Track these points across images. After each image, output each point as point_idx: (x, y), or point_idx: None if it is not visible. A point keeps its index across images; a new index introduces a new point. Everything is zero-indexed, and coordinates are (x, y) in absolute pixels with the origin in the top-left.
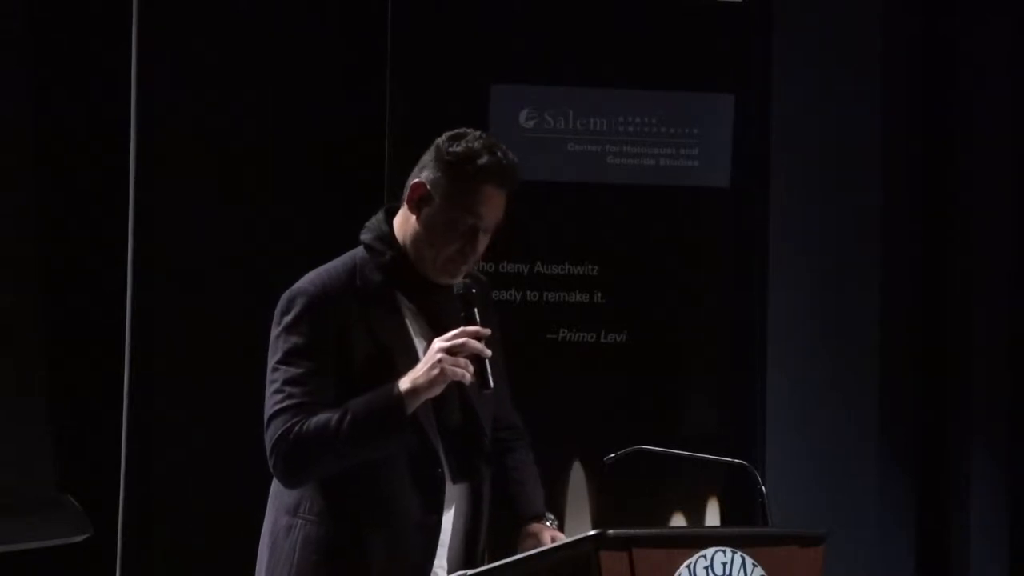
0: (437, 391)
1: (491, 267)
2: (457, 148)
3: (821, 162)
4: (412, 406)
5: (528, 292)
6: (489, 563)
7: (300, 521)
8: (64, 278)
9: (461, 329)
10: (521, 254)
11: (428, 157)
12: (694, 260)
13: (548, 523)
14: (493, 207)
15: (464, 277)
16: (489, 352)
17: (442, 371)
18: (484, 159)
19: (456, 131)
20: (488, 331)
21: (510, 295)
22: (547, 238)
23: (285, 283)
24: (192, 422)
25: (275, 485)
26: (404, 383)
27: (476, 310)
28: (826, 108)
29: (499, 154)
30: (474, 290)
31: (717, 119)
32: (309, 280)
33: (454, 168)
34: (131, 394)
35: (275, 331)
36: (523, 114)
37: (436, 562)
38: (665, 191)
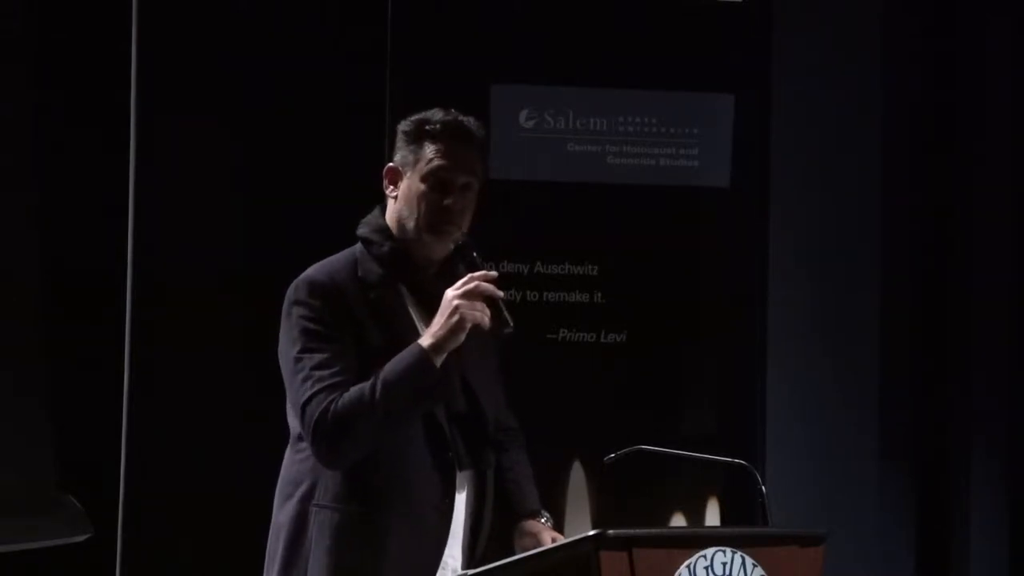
0: (459, 340)
1: (491, 267)
2: (411, 119)
3: (821, 162)
4: (439, 360)
5: (528, 292)
6: (488, 558)
7: (315, 509)
8: (64, 278)
9: (470, 275)
10: (521, 254)
11: (395, 147)
12: (694, 260)
13: (543, 520)
14: (463, 159)
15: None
16: (501, 293)
17: (461, 317)
18: (437, 116)
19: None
20: (495, 273)
21: (510, 295)
22: (547, 238)
23: (285, 283)
24: (192, 422)
25: (283, 478)
26: (425, 340)
27: (476, 255)
28: (826, 108)
29: (455, 114)
30: (469, 244)
31: (717, 119)
32: (315, 270)
33: (411, 135)
34: (131, 394)
35: (288, 320)
36: (523, 114)
37: (447, 550)
38: (665, 191)
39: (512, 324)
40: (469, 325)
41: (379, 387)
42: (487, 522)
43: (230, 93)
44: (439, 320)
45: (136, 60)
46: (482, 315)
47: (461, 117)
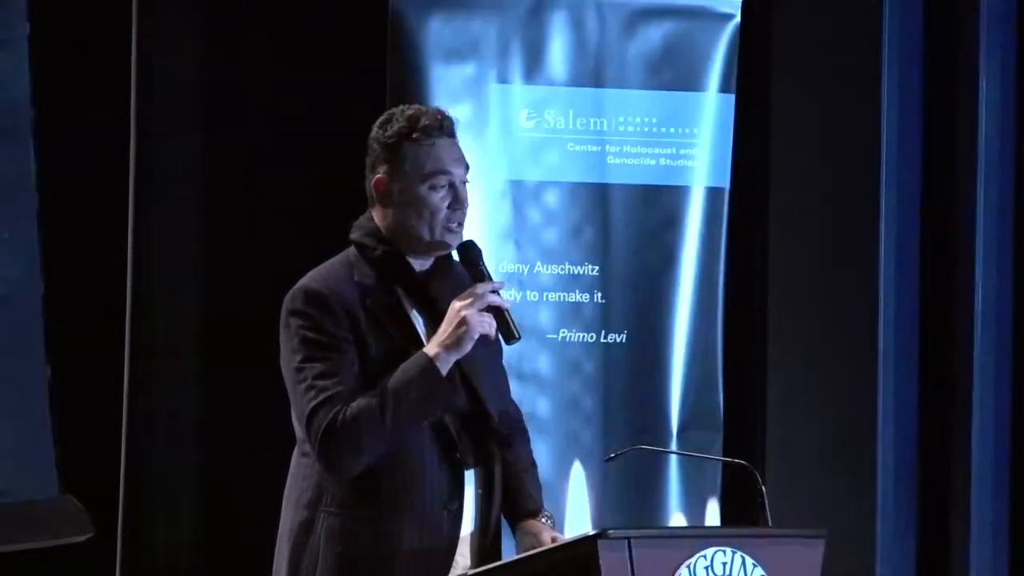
0: (466, 349)
1: (491, 267)
2: (392, 129)
3: (821, 162)
4: (445, 369)
5: (528, 292)
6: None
7: (322, 515)
8: (64, 277)
9: (477, 284)
10: (521, 254)
11: (372, 155)
12: (694, 260)
13: (544, 520)
14: (453, 157)
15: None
16: (508, 304)
17: (469, 328)
18: (423, 122)
19: (381, 118)
20: (501, 284)
21: (510, 295)
22: (547, 238)
23: (285, 284)
24: (192, 422)
25: (290, 483)
26: (431, 348)
27: (483, 265)
28: (826, 108)
29: (432, 111)
30: (474, 251)
31: (717, 119)
32: (312, 277)
33: (400, 146)
34: (131, 394)
35: (287, 331)
36: (523, 114)
37: (456, 549)
38: (665, 191)
39: (518, 335)
40: (476, 336)
41: (388, 398)
42: (495, 519)
43: (228, 94)
44: (446, 329)
45: (136, 60)
46: (489, 326)
47: (439, 114)
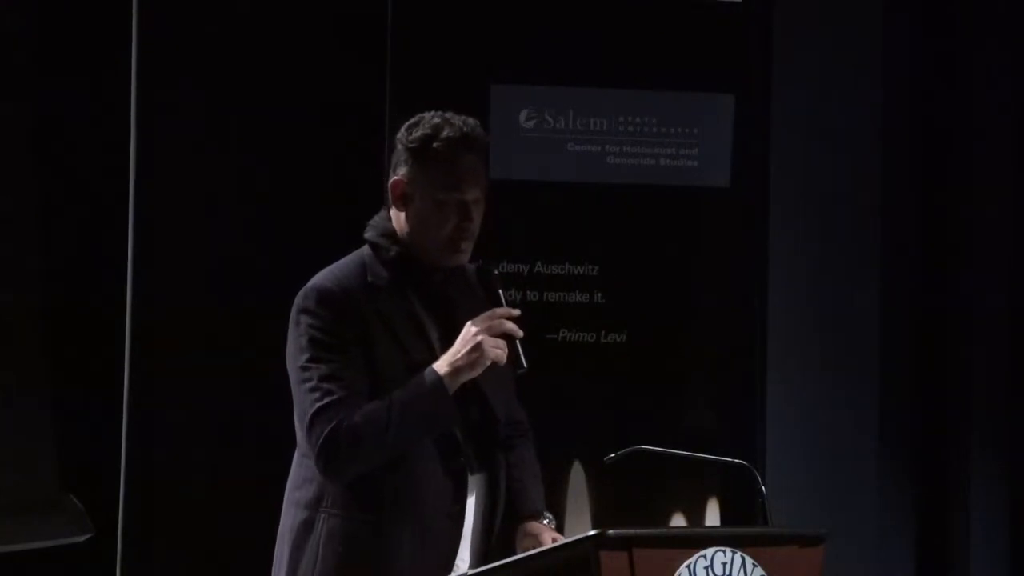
0: (477, 372)
1: (511, 297)
2: (418, 134)
3: (821, 162)
4: (454, 388)
5: (528, 292)
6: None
7: (323, 515)
8: (64, 277)
9: (493, 311)
10: (521, 254)
11: (396, 155)
12: (694, 260)
13: (546, 521)
14: (473, 175)
15: (474, 261)
16: (521, 333)
17: (483, 352)
18: (446, 133)
19: (411, 120)
20: (517, 312)
21: (510, 295)
22: (547, 238)
23: (284, 284)
24: (193, 422)
25: (291, 482)
26: (442, 367)
27: (501, 292)
28: (826, 108)
29: (458, 123)
30: (495, 271)
31: (717, 119)
32: (324, 277)
33: (422, 153)
34: (131, 394)
35: (296, 330)
36: (523, 114)
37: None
38: (665, 191)
39: (526, 366)
40: (488, 363)
41: (393, 411)
42: (498, 524)
43: (229, 94)
44: (460, 350)
45: (136, 61)
46: (502, 352)
47: (465, 127)
